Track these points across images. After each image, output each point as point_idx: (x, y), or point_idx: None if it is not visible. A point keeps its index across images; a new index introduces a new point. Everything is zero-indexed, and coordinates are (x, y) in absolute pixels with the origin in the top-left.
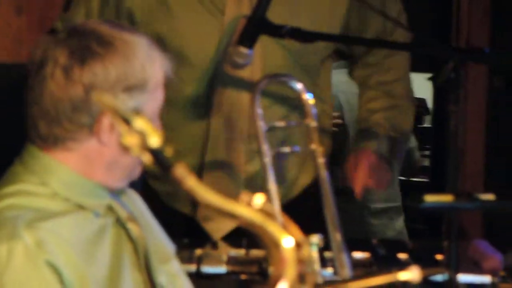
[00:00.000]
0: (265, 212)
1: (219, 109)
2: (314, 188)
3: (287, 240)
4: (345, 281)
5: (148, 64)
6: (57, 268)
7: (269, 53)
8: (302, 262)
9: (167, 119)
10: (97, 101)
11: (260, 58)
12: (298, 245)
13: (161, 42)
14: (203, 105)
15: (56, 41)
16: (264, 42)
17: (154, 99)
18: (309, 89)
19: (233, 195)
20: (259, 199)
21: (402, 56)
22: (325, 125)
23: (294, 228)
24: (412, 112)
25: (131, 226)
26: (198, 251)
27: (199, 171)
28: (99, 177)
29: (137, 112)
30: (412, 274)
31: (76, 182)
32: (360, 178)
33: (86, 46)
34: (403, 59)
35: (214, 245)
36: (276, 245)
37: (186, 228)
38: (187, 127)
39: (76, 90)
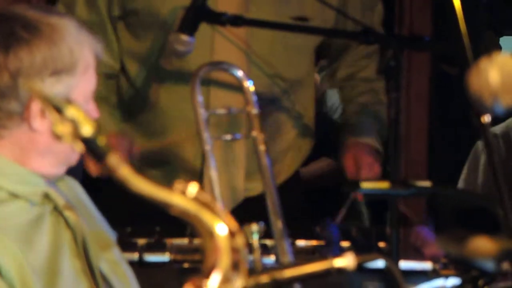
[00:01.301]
0: (200, 201)
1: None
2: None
3: (220, 227)
4: (280, 268)
5: (76, 47)
6: None
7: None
8: (236, 250)
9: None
10: (27, 89)
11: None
12: (232, 234)
13: (137, 16)
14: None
15: None
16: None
17: (85, 82)
18: (287, 105)
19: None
20: (193, 187)
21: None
22: (306, 139)
23: (228, 217)
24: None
25: (68, 214)
26: (141, 240)
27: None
28: (34, 165)
29: (69, 100)
30: (347, 260)
31: (9, 170)
32: (364, 176)
33: (11, 32)
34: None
35: (157, 234)
36: (210, 233)
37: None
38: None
39: (2, 77)
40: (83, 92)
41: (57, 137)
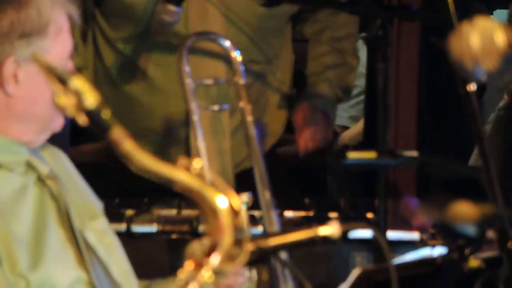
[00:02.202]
0: (204, 177)
1: None
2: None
3: (223, 204)
4: (265, 236)
5: (46, 9)
6: None
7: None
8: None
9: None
10: (32, 59)
11: None
12: (236, 212)
13: (111, 2)
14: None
15: None
16: (218, 21)
17: (59, 44)
18: (266, 70)
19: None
20: (197, 163)
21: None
22: (283, 96)
23: (233, 194)
24: (356, 69)
25: (50, 184)
26: (129, 211)
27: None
28: (13, 132)
29: (73, 71)
30: (331, 229)
31: None
32: (307, 138)
33: None
34: (353, 16)
35: (145, 205)
36: (213, 210)
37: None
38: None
39: None
40: (58, 55)
41: (60, 108)
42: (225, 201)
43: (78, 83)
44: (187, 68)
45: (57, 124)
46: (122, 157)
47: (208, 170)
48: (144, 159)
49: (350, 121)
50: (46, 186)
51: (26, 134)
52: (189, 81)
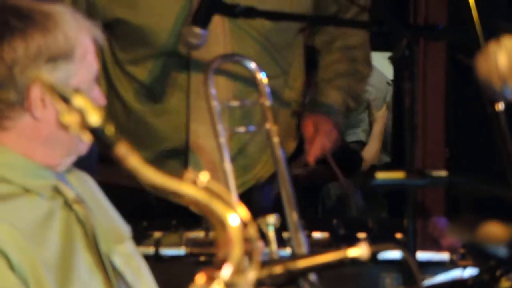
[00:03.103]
0: (211, 190)
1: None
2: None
3: (232, 217)
4: (294, 258)
5: (72, 33)
6: (5, 253)
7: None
8: (249, 240)
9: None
10: (30, 78)
11: (227, 47)
12: (245, 224)
13: (122, 25)
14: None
15: None
16: (233, 30)
17: (85, 68)
18: (279, 77)
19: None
20: (204, 177)
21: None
22: (294, 112)
23: (241, 207)
24: (367, 78)
25: (77, 208)
26: (157, 234)
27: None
28: (40, 156)
29: (76, 89)
30: (360, 250)
31: (17, 163)
32: (316, 148)
33: (4, 23)
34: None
35: (173, 228)
36: (222, 224)
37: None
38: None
39: None
40: (84, 79)
41: (64, 127)
42: (233, 214)
43: (81, 101)
44: (213, 91)
45: (83, 147)
46: (128, 173)
47: (215, 183)
48: (150, 174)
49: (364, 135)
50: (73, 210)
51: (53, 158)
52: (215, 103)
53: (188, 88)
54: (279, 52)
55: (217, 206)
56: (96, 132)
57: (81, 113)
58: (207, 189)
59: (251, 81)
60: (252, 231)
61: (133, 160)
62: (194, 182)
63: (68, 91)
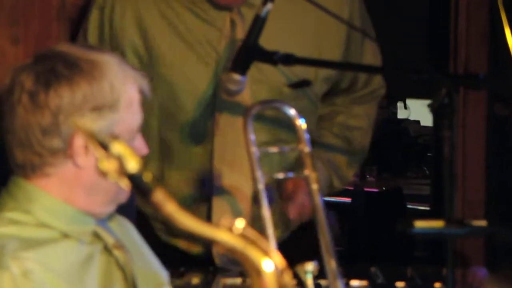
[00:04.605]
0: (247, 237)
1: (219, 135)
2: None
3: (267, 264)
4: None
5: (118, 83)
6: None
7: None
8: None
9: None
10: (73, 126)
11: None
12: (280, 271)
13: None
14: (202, 133)
15: (23, 67)
16: (253, 75)
17: (129, 118)
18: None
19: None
20: (240, 223)
21: (371, 107)
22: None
23: (276, 254)
24: (359, 164)
25: (117, 253)
26: (195, 280)
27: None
28: (81, 203)
29: (114, 136)
30: None
31: (58, 209)
32: (296, 208)
33: (51, 70)
34: (371, 110)
35: (211, 274)
36: (257, 270)
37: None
38: (190, 153)
39: (43, 115)
40: (127, 128)
41: (103, 173)
42: (268, 260)
43: (120, 148)
44: (252, 137)
45: (123, 195)
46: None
47: (251, 230)
48: (186, 221)
49: None
50: (113, 255)
51: (94, 205)
52: (254, 150)
53: (213, 130)
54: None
55: (252, 253)
56: (134, 179)
57: (119, 160)
58: (243, 236)
59: (281, 126)
60: (288, 278)
61: (170, 206)
62: (230, 229)
63: (107, 138)
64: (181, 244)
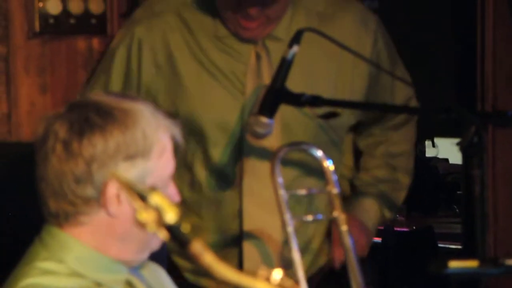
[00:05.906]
0: (284, 287)
1: (247, 179)
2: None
3: None
4: None
5: (151, 131)
6: None
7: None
8: None
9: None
10: (107, 174)
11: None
12: None
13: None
14: (229, 176)
15: (56, 116)
16: (277, 135)
17: (161, 166)
18: (332, 154)
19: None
20: (277, 274)
21: (409, 129)
22: (342, 188)
23: None
24: (407, 188)
25: None
26: None
27: (238, 241)
28: (114, 251)
29: (152, 187)
30: None
31: (90, 258)
32: (342, 254)
33: (85, 118)
34: (409, 132)
35: None
36: None
37: None
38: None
39: (77, 163)
40: (160, 176)
41: (141, 224)
42: None
43: (158, 199)
44: (280, 180)
45: (156, 243)
46: (204, 270)
47: (288, 280)
48: (224, 271)
49: None
50: None
51: (126, 254)
52: (282, 192)
53: (241, 173)
54: (324, 151)
55: None
56: (172, 230)
57: (157, 211)
58: (280, 287)
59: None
60: None
61: (208, 257)
62: (268, 279)
63: (145, 190)
64: (209, 284)
